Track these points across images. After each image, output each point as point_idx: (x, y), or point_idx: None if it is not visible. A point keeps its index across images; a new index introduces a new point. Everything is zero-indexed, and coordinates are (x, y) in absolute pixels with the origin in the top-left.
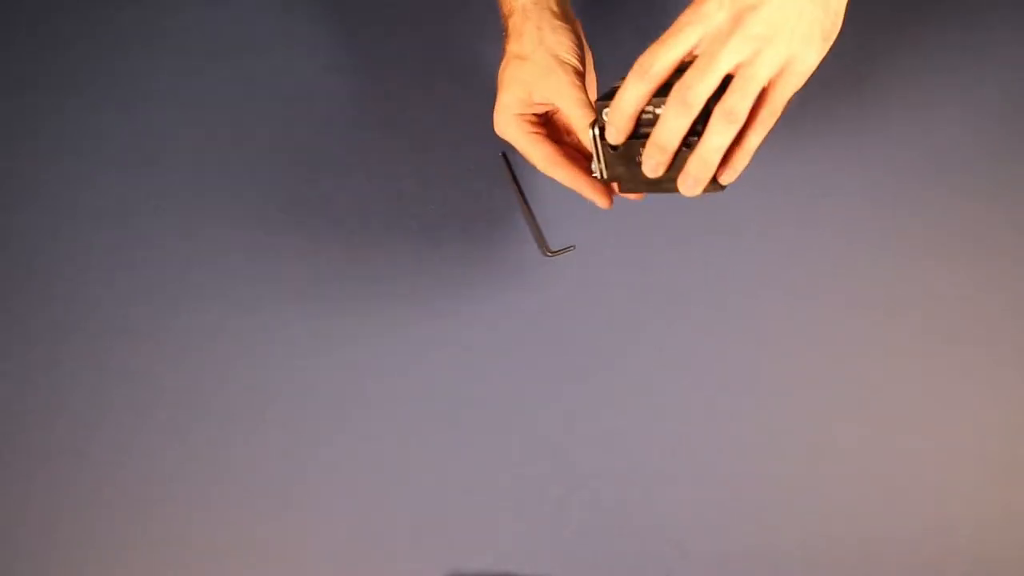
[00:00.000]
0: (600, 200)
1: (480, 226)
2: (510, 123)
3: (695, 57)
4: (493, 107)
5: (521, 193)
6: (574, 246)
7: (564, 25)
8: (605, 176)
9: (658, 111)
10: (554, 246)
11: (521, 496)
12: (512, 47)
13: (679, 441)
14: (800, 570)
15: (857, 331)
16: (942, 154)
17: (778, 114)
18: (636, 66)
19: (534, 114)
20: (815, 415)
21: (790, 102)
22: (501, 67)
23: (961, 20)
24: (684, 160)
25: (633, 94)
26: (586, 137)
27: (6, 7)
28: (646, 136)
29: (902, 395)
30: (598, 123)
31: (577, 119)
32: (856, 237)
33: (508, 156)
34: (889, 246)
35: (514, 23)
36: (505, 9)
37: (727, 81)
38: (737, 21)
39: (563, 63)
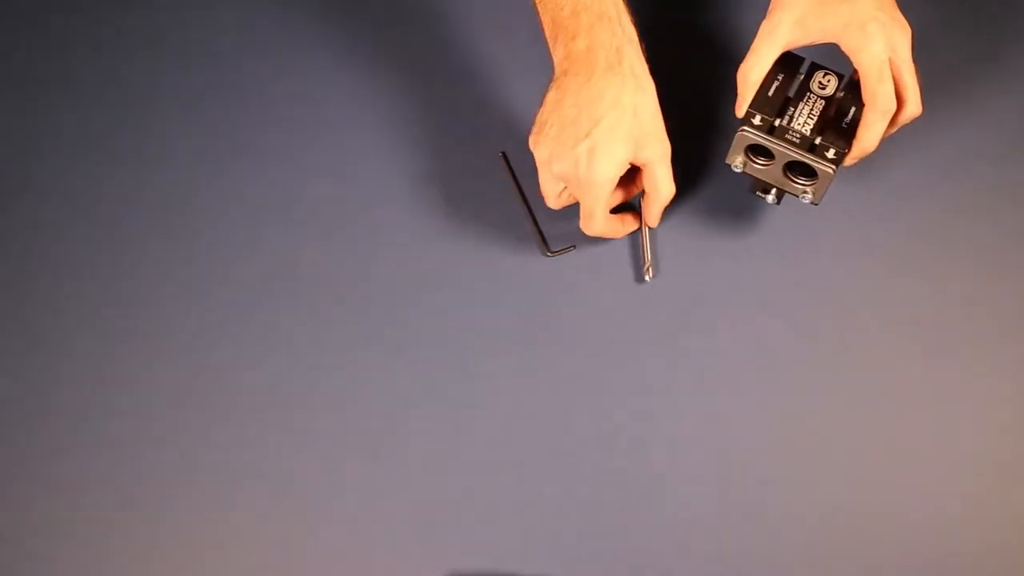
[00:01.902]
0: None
1: (480, 226)
2: (610, 178)
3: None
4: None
5: (521, 193)
6: (574, 246)
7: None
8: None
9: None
10: (554, 246)
11: (521, 496)
12: (626, 96)
13: (679, 441)
14: (800, 570)
15: (857, 332)
16: (946, 160)
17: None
18: (877, 107)
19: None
20: (815, 415)
21: None
22: (604, 112)
23: (967, 25)
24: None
25: (880, 130)
26: (657, 205)
27: (6, 7)
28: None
29: (902, 395)
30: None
31: (662, 190)
32: (853, 240)
33: (508, 156)
34: (887, 247)
35: (602, 37)
36: (571, 7)
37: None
38: (890, 42)
39: (663, 129)
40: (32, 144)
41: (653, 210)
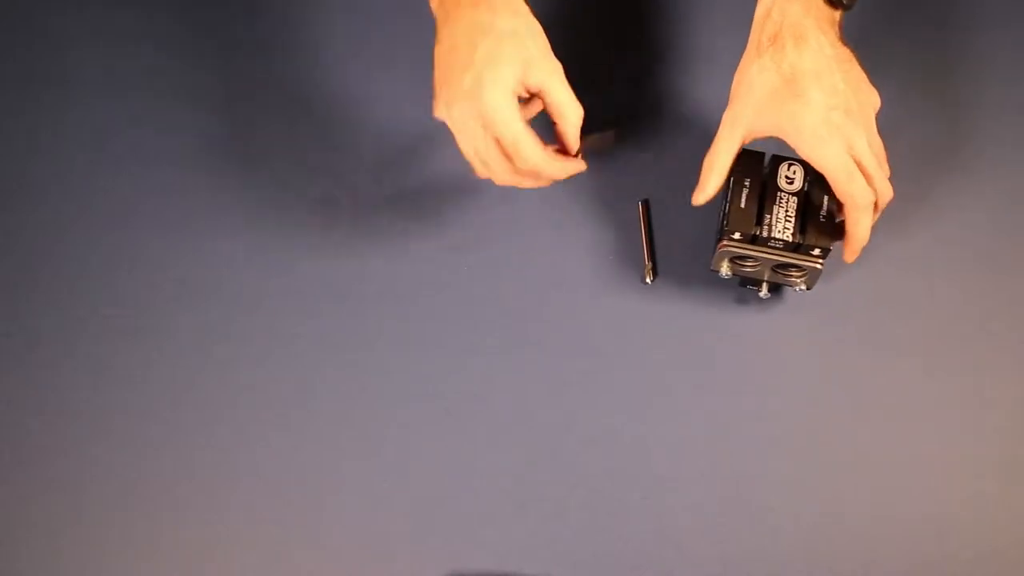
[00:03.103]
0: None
1: (479, 227)
2: (507, 101)
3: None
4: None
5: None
6: (613, 131)
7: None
8: (763, 288)
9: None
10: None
11: (521, 496)
12: (500, 21)
13: (679, 441)
14: (800, 571)
15: (856, 333)
16: (940, 166)
17: None
18: (857, 205)
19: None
20: (815, 416)
21: None
22: (478, 40)
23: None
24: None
25: (867, 223)
26: (571, 128)
27: (6, 6)
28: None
29: (902, 396)
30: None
31: (568, 111)
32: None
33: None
34: (887, 249)
35: None
36: None
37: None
38: (847, 137)
39: (551, 50)
40: (32, 144)
41: (568, 136)
